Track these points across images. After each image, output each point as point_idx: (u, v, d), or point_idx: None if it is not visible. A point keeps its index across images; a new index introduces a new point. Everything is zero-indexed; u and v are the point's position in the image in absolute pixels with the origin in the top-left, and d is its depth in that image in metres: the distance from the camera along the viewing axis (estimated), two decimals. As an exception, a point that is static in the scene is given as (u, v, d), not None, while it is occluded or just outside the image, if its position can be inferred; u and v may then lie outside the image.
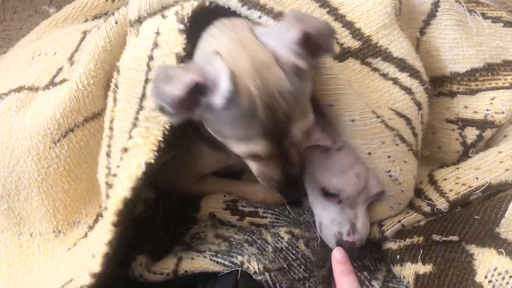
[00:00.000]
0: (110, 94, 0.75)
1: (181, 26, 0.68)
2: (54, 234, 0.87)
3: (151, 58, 0.70)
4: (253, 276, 0.76)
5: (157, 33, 0.70)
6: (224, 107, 0.59)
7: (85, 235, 0.88)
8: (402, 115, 0.77)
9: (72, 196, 0.86)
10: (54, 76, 0.85)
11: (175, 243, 0.90)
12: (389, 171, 0.77)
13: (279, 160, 0.69)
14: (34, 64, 0.88)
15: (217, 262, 0.78)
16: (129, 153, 0.71)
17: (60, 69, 0.86)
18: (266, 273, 0.77)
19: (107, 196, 0.73)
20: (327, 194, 0.82)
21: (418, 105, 0.79)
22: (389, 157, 0.75)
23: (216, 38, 0.68)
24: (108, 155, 0.75)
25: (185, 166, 0.92)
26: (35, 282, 0.83)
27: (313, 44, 0.61)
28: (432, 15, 0.86)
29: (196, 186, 0.96)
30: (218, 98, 0.59)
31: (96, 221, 0.88)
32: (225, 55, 0.61)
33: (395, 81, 0.79)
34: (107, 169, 0.75)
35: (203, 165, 0.92)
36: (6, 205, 0.86)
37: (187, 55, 0.69)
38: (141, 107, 0.71)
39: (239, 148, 0.66)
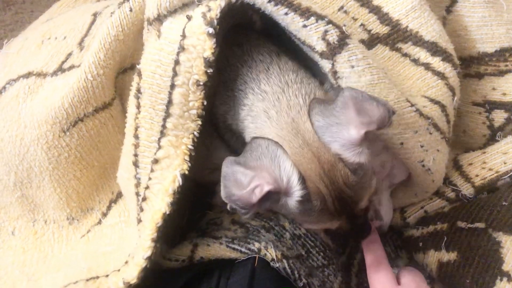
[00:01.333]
0: (132, 99, 0.71)
1: (211, 30, 0.63)
2: (68, 221, 0.86)
3: (177, 62, 0.65)
4: (271, 264, 0.73)
5: (183, 36, 0.65)
6: (297, 207, 0.62)
7: (99, 222, 0.87)
8: (436, 102, 0.72)
9: (84, 183, 0.85)
10: (63, 62, 0.82)
11: (190, 229, 0.87)
12: (422, 161, 0.72)
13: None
14: (44, 49, 0.85)
15: (234, 249, 0.76)
16: (161, 165, 0.69)
17: (69, 54, 0.83)
18: (284, 260, 0.74)
19: (141, 208, 0.71)
20: None
21: (452, 90, 0.74)
22: (422, 146, 0.71)
23: (268, 121, 0.68)
24: (135, 164, 0.72)
25: (200, 159, 0.90)
26: (50, 268, 0.83)
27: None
28: (461, -9, 0.80)
29: (211, 177, 0.93)
30: (291, 201, 0.62)
31: (109, 207, 0.87)
32: (289, 152, 0.62)
33: (427, 66, 0.73)
34: (136, 179, 0.72)
35: (219, 158, 0.89)
36: (19, 193, 0.85)
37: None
38: (168, 114, 0.68)
39: (309, 226, 0.73)
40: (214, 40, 0.63)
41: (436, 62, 0.74)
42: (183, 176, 0.68)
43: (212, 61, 0.65)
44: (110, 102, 0.81)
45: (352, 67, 0.65)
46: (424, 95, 0.72)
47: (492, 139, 0.84)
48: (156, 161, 0.69)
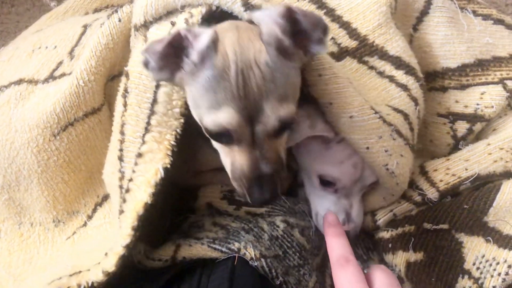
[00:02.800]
0: (119, 98, 0.75)
1: None
2: (54, 223, 0.88)
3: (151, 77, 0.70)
4: (250, 262, 0.77)
5: None
6: (199, 61, 0.61)
7: (84, 224, 0.89)
8: (399, 111, 0.78)
9: (71, 186, 0.87)
10: (54, 70, 0.85)
11: (173, 232, 0.90)
12: (386, 165, 0.77)
13: (251, 150, 0.65)
14: (34, 57, 0.88)
15: (215, 249, 0.79)
16: (144, 158, 0.72)
17: (60, 63, 0.86)
18: (262, 260, 0.78)
19: (124, 200, 0.74)
20: (324, 183, 0.83)
21: (415, 100, 0.81)
22: (386, 151, 0.76)
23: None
24: (120, 159, 0.75)
25: (185, 162, 0.93)
26: (36, 269, 0.84)
27: (303, 34, 0.61)
28: (425, 12, 0.87)
29: (194, 180, 0.96)
30: (195, 53, 0.61)
31: (94, 210, 0.89)
32: (218, 30, 0.63)
33: (391, 78, 0.80)
34: (120, 173, 0.75)
35: (202, 161, 0.92)
36: (7, 195, 0.87)
37: None
38: (152, 112, 0.72)
39: (209, 119, 0.63)
40: None
41: (400, 75, 0.80)
42: (165, 169, 0.71)
43: None
44: (99, 107, 0.84)
45: (320, 75, 0.71)
46: (388, 105, 0.78)
47: (455, 148, 0.91)
48: (140, 155, 0.72)
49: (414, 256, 0.80)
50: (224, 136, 0.64)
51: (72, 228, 0.88)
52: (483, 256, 0.75)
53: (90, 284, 0.69)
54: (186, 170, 0.94)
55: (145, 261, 0.80)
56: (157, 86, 0.71)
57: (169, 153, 0.72)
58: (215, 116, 0.62)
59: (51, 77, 0.84)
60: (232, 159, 0.67)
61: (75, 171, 0.86)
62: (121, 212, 0.74)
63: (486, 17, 0.90)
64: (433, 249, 0.79)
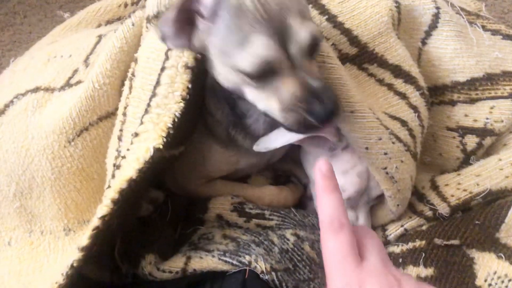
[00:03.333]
0: (127, 82, 0.79)
1: None
2: (65, 232, 0.89)
3: (170, 48, 0.74)
4: (260, 276, 0.78)
5: None
6: (212, 12, 0.64)
7: (95, 234, 0.90)
8: (395, 118, 0.81)
9: (83, 195, 0.89)
10: (70, 78, 0.88)
11: (182, 243, 0.92)
12: (385, 168, 0.80)
13: (295, 73, 0.65)
14: (50, 66, 0.91)
15: (226, 261, 0.81)
16: (139, 138, 0.75)
17: (75, 71, 0.89)
18: (273, 273, 0.79)
19: (113, 176, 0.76)
20: None
21: (414, 108, 0.83)
22: (385, 154, 0.79)
23: None
24: (119, 138, 0.79)
25: (194, 168, 0.95)
26: (46, 278, 0.85)
27: None
28: (433, 26, 0.90)
29: (205, 189, 0.98)
30: (207, 7, 0.64)
31: (106, 220, 0.91)
32: None
33: (390, 86, 0.83)
34: (116, 152, 0.79)
35: (213, 165, 0.94)
36: (18, 203, 0.88)
37: None
38: (154, 94, 0.75)
39: (244, 57, 0.62)
40: None
41: (399, 84, 0.83)
42: (157, 150, 0.72)
43: None
44: (114, 111, 0.87)
45: (324, 62, 0.75)
46: (385, 112, 0.81)
47: (465, 162, 0.93)
48: (136, 135, 0.75)
49: (425, 272, 0.81)
50: (264, 71, 0.64)
51: (82, 237, 0.89)
52: (495, 273, 0.76)
53: (69, 266, 0.70)
54: (196, 177, 0.96)
55: (156, 273, 0.82)
56: (162, 69, 0.75)
57: (164, 134, 0.73)
58: (249, 49, 0.62)
59: (67, 84, 0.87)
60: (278, 95, 0.66)
61: (87, 179, 0.88)
62: (108, 187, 0.76)
63: (495, 32, 0.92)
64: (444, 265, 0.80)
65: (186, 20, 0.66)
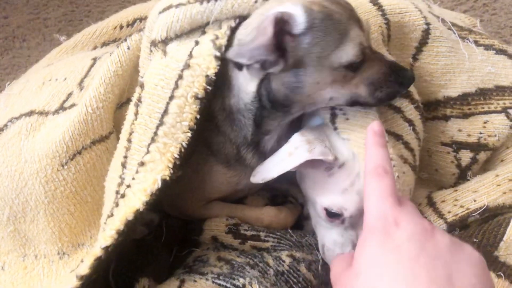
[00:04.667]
0: (131, 107, 0.83)
1: (218, 53, 0.78)
2: (59, 256, 0.92)
3: (180, 77, 0.79)
4: (255, 299, 0.80)
5: (190, 56, 0.79)
6: (305, 27, 0.72)
7: (89, 257, 0.93)
8: (390, 133, 0.84)
9: (77, 218, 0.91)
10: (64, 101, 0.93)
11: (177, 266, 0.95)
12: None
13: (374, 55, 0.79)
14: (45, 89, 0.96)
15: (219, 285, 0.83)
16: (145, 167, 0.78)
17: (69, 94, 0.93)
18: (268, 296, 0.81)
19: (117, 204, 0.78)
20: (330, 215, 0.87)
21: (409, 121, 0.87)
22: (391, 160, 0.80)
23: None
24: (123, 165, 0.81)
25: (192, 190, 0.98)
26: (39, 302, 0.88)
27: None
28: (423, 42, 0.93)
29: (202, 211, 1.01)
30: (299, 27, 0.72)
31: (99, 243, 0.93)
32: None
33: None
34: (120, 178, 0.81)
35: (213, 187, 0.97)
36: (12, 227, 0.91)
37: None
38: (161, 123, 0.79)
39: (347, 52, 0.74)
40: (219, 62, 0.78)
41: None
42: (164, 181, 0.76)
43: (213, 80, 0.78)
44: (107, 135, 0.91)
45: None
46: None
47: (461, 178, 0.95)
48: (142, 164, 0.78)
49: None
50: (360, 58, 0.75)
51: (76, 261, 0.92)
52: (494, 293, 0.76)
53: None
54: (194, 199, 0.99)
55: (149, 298, 0.84)
56: (171, 98, 0.79)
57: (171, 165, 0.78)
58: (350, 42, 0.74)
59: (61, 108, 0.92)
60: (365, 80, 0.78)
61: (81, 203, 0.91)
62: (110, 216, 0.78)
63: (488, 47, 0.95)
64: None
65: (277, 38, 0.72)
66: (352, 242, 0.89)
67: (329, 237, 0.91)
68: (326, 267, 0.92)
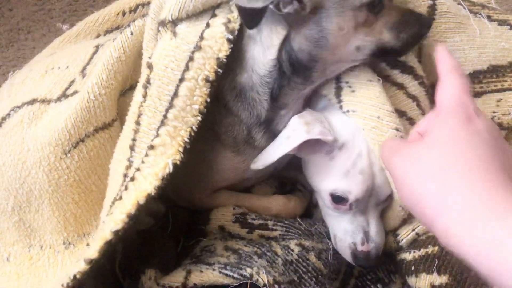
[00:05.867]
0: (139, 89, 0.84)
1: (230, 36, 0.80)
2: (64, 246, 0.94)
3: (191, 59, 0.80)
4: (263, 288, 0.81)
5: (201, 38, 0.81)
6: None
7: (95, 247, 0.95)
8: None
9: (82, 207, 0.93)
10: (66, 89, 0.95)
11: (185, 256, 0.97)
12: None
13: (391, 4, 0.83)
14: (47, 78, 0.98)
15: (226, 275, 0.85)
16: (155, 151, 0.80)
17: (72, 82, 0.96)
18: (276, 286, 0.83)
19: (126, 187, 0.80)
20: (336, 200, 0.87)
21: (413, 98, 0.87)
22: (397, 130, 0.82)
23: None
24: (132, 148, 0.83)
25: (199, 178, 1.00)
26: (44, 292, 0.90)
27: None
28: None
29: (209, 200, 1.03)
30: None
31: (106, 233, 0.95)
32: None
33: (386, 78, 0.87)
34: (128, 161, 0.83)
35: (219, 174, 0.98)
36: (17, 217, 0.93)
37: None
38: (171, 105, 0.81)
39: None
40: (231, 45, 0.80)
41: (395, 74, 0.87)
42: (175, 165, 0.78)
43: (224, 63, 0.80)
44: (110, 123, 0.92)
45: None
46: None
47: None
48: (152, 147, 0.80)
49: (439, 279, 0.82)
50: (378, 2, 0.77)
51: (82, 251, 0.94)
52: (512, 276, 0.76)
53: (72, 277, 0.73)
54: (201, 188, 1.01)
55: (155, 288, 0.86)
56: (181, 80, 0.80)
57: (181, 149, 0.80)
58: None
59: (64, 95, 0.94)
60: (387, 23, 0.80)
61: (85, 192, 0.93)
62: (119, 199, 0.80)
63: (502, 22, 0.94)
64: (458, 272, 0.81)
65: None
66: (363, 229, 0.89)
67: (339, 226, 0.92)
68: (337, 255, 0.93)
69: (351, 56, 0.82)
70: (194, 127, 0.81)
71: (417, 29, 0.82)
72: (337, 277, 0.92)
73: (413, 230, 0.89)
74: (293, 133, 0.84)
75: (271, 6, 0.73)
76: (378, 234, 0.89)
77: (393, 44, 0.81)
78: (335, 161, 0.86)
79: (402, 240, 0.90)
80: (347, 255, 0.91)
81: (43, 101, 0.93)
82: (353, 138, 0.85)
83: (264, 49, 0.82)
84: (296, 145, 0.82)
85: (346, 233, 0.90)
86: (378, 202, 0.89)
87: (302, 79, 0.85)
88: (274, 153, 0.87)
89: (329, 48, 0.79)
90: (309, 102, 0.94)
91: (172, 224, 1.00)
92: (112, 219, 0.75)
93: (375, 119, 0.83)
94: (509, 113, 0.90)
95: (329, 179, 0.87)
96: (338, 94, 0.87)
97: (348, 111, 0.86)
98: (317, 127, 0.83)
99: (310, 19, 0.77)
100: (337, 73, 0.86)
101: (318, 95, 0.92)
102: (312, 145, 0.84)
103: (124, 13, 1.12)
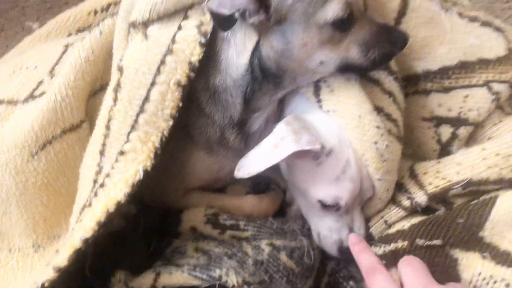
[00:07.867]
0: (110, 92, 0.86)
1: (203, 40, 0.83)
2: (34, 248, 0.97)
3: (163, 62, 0.83)
4: (231, 290, 0.85)
5: (173, 41, 0.83)
6: None
7: (65, 250, 0.98)
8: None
9: (52, 209, 0.96)
10: (34, 89, 0.97)
11: (157, 258, 0.99)
12: (376, 142, 0.87)
13: (364, 16, 0.84)
14: (15, 78, 1.01)
15: (195, 276, 0.88)
16: (126, 157, 0.82)
17: (40, 82, 0.98)
18: (245, 286, 0.86)
19: (95, 194, 0.82)
20: (326, 206, 0.91)
21: (389, 93, 0.92)
22: (378, 127, 0.86)
23: None
24: (101, 153, 0.86)
25: (172, 178, 1.03)
26: (13, 295, 0.93)
27: None
28: (402, 13, 0.96)
29: (183, 200, 1.06)
30: None
31: (76, 235, 0.99)
32: None
33: (363, 75, 0.91)
34: (98, 166, 0.86)
35: (193, 174, 1.02)
36: (-16, 221, 0.96)
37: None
38: (142, 110, 0.83)
39: (334, 8, 0.78)
40: (204, 49, 0.82)
41: None
42: (145, 171, 0.81)
43: (196, 67, 0.82)
44: (79, 124, 0.95)
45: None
46: None
47: (442, 155, 0.99)
48: (122, 153, 0.83)
49: (409, 273, 0.86)
50: (348, 16, 0.79)
51: (52, 253, 0.97)
52: (479, 274, 0.80)
53: (40, 286, 0.76)
54: (173, 188, 1.04)
55: (123, 291, 0.88)
56: (153, 84, 0.82)
57: (152, 155, 0.82)
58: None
59: (31, 96, 0.96)
60: (356, 41, 0.82)
61: (55, 194, 0.96)
62: (88, 205, 0.82)
63: (472, 19, 0.97)
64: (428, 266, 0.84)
65: None
66: (348, 226, 0.94)
67: (323, 225, 0.96)
68: (314, 252, 0.96)
69: (316, 69, 0.84)
70: (165, 132, 0.83)
71: (387, 49, 0.84)
72: (310, 275, 0.94)
73: (382, 217, 0.94)
74: (282, 142, 0.85)
75: (237, 15, 0.76)
76: (361, 227, 0.95)
77: (360, 62, 0.84)
78: (324, 168, 0.89)
79: (371, 227, 0.95)
80: (333, 251, 0.97)
81: (10, 102, 0.96)
82: (339, 143, 0.88)
83: (237, 53, 0.85)
84: (285, 156, 0.84)
85: (331, 230, 0.95)
86: (361, 201, 0.94)
87: (273, 85, 0.88)
88: (260, 162, 0.87)
89: (294, 59, 0.83)
90: (283, 100, 0.98)
91: (144, 225, 1.03)
92: (82, 226, 0.78)
93: (357, 118, 0.87)
94: (476, 109, 0.93)
95: (318, 186, 0.90)
96: (317, 94, 0.90)
97: (328, 111, 0.89)
98: (305, 136, 0.85)
99: (277, 30, 0.80)
100: (308, 82, 0.89)
101: (293, 93, 0.95)
102: (298, 151, 0.85)
103: (96, 12, 1.14)
